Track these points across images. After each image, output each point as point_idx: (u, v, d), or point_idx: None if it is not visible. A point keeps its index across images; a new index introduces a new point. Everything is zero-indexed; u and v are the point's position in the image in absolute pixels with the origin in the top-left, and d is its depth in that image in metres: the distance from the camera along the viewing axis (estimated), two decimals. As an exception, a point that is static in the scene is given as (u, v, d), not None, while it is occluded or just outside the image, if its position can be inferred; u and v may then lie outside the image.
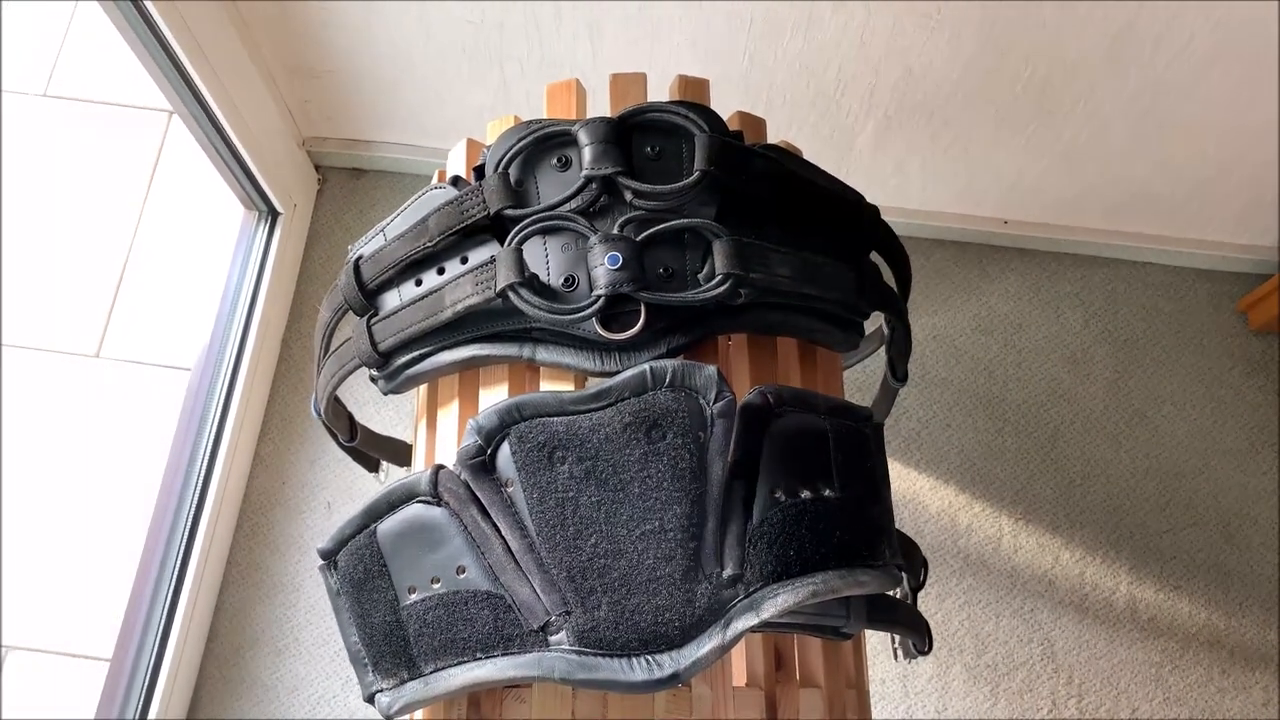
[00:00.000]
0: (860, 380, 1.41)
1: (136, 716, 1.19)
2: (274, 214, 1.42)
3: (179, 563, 1.25)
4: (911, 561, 0.79)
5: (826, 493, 0.65)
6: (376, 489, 0.69)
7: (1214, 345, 1.48)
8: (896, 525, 0.75)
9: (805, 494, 0.64)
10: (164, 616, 1.23)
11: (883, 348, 0.88)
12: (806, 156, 0.79)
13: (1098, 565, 1.36)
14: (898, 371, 0.88)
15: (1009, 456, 1.41)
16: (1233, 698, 1.30)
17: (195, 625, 1.26)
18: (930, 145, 1.35)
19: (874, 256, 0.80)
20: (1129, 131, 1.28)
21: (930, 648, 0.81)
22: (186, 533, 1.26)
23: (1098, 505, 1.39)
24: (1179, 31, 1.12)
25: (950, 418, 1.43)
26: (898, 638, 0.85)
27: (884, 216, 0.80)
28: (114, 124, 1.57)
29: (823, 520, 0.64)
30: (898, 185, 1.44)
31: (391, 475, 1.04)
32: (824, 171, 0.77)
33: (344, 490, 1.37)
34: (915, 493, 1.39)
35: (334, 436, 0.91)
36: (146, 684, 1.20)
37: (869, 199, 0.79)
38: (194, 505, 1.27)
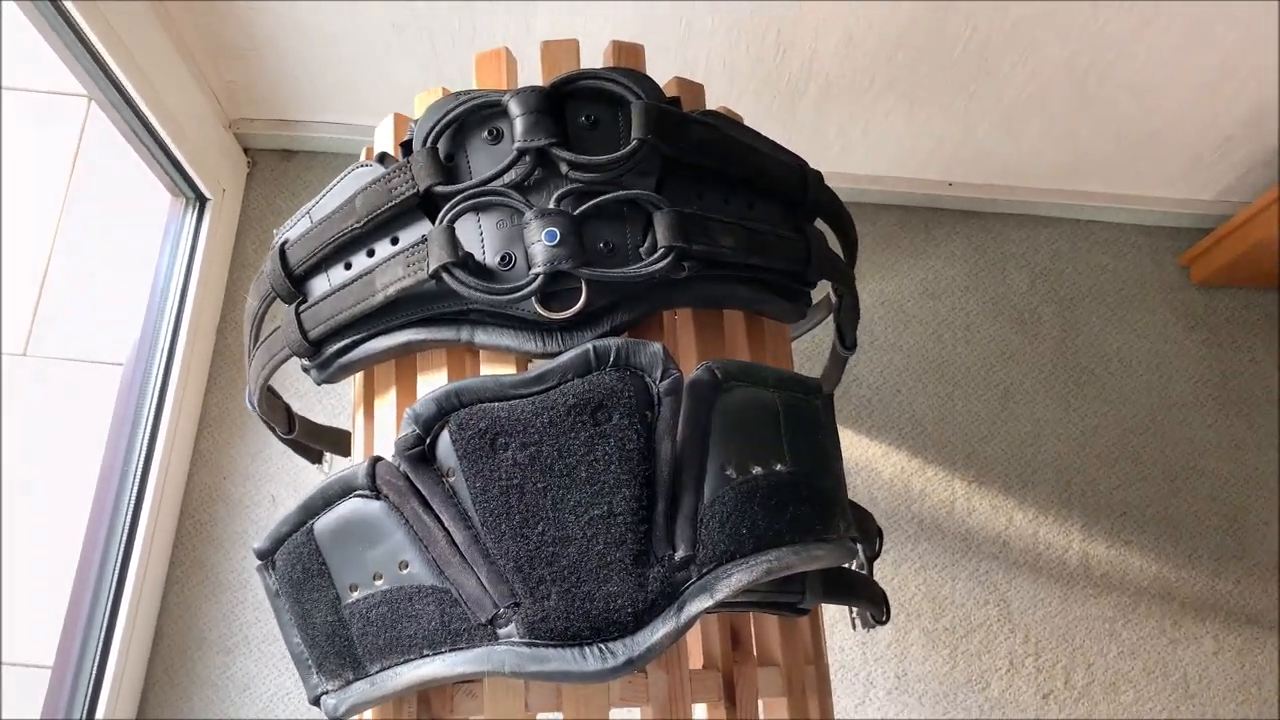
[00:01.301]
0: (809, 349, 1.40)
1: (81, 724, 1.15)
2: (202, 200, 1.37)
3: (119, 564, 1.21)
4: (865, 532, 0.78)
5: (778, 467, 0.64)
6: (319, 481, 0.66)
7: (1158, 301, 1.49)
8: (850, 494, 0.73)
9: (756, 470, 0.63)
10: (106, 620, 1.19)
11: (831, 316, 0.87)
12: (748, 124, 0.77)
13: (1050, 524, 1.37)
14: (846, 339, 0.86)
15: (960, 419, 1.41)
16: (1184, 648, 1.32)
17: (140, 627, 1.22)
18: (873, 109, 1.33)
19: (819, 224, 0.78)
20: (1071, 89, 1.28)
21: (888, 618, 0.81)
22: (126, 533, 1.22)
23: (1049, 464, 1.39)
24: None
25: (900, 383, 1.43)
26: (855, 609, 0.84)
27: (828, 182, 0.79)
28: (29, 111, 1.50)
29: (775, 496, 0.63)
30: (841, 150, 1.42)
31: (336, 466, 1.01)
32: (765, 137, 0.75)
33: (289, 483, 1.33)
34: (868, 460, 1.39)
35: (272, 429, 0.88)
36: (91, 690, 1.16)
37: (812, 165, 0.77)
38: (133, 504, 1.23)
